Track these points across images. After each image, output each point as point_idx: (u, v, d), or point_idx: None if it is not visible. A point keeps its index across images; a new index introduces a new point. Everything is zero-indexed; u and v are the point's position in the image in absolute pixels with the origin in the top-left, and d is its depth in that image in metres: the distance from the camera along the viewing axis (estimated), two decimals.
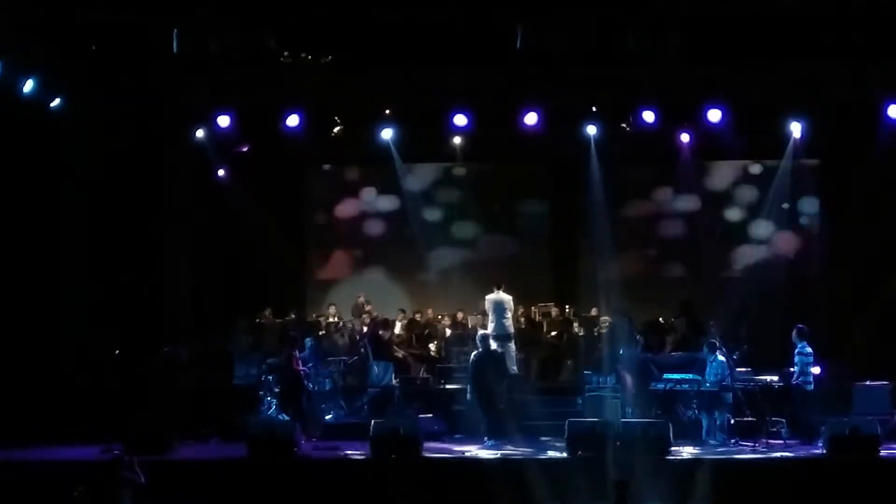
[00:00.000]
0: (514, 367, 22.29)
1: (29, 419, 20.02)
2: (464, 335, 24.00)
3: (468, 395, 20.70)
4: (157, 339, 22.76)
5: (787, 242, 26.65)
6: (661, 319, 24.49)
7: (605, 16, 20.55)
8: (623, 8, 20.60)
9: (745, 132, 23.26)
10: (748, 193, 26.89)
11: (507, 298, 22.95)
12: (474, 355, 20.61)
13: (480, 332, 21.70)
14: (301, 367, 21.12)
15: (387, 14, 20.45)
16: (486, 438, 20.01)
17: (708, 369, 20.26)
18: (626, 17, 20.64)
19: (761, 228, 26.60)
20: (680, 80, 21.48)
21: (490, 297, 22.99)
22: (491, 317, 22.77)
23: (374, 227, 27.63)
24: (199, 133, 23.58)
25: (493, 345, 21.09)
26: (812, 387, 20.06)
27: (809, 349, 20.08)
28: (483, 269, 26.32)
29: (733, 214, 27.00)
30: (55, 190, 22.49)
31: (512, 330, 22.84)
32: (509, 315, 22.87)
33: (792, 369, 20.16)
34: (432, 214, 27.33)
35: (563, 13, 20.60)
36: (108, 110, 22.12)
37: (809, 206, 26.65)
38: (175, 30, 20.54)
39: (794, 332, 20.25)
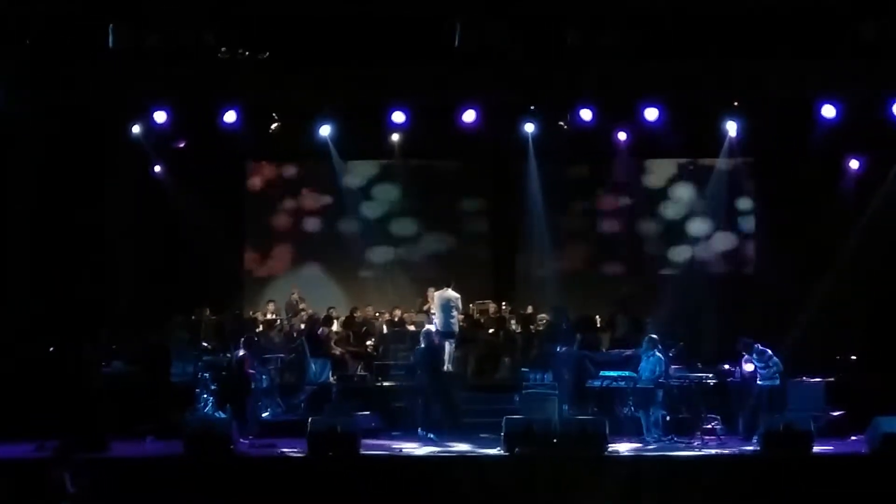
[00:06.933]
0: (450, 365, 22.23)
1: None
2: (402, 332, 23.98)
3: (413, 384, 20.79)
4: (95, 335, 22.56)
5: (723, 240, 26.81)
6: (598, 317, 24.48)
7: (545, 12, 20.62)
8: (562, 4, 20.68)
9: (682, 130, 23.39)
10: (685, 191, 27.03)
11: (454, 296, 22.74)
12: (416, 350, 20.71)
13: (426, 328, 21.66)
14: (251, 370, 20.82)
15: (325, 10, 20.42)
16: (422, 430, 20.08)
17: (643, 364, 20.27)
18: (565, 13, 20.73)
19: (698, 226, 26.75)
20: (617, 77, 21.55)
21: (438, 293, 22.87)
22: (438, 314, 22.66)
23: (312, 224, 27.49)
24: (136, 128, 23.44)
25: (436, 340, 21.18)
26: (778, 382, 20.17)
27: (765, 351, 20.21)
28: (421, 266, 26.36)
29: (670, 212, 27.12)
30: None
31: (457, 329, 22.68)
32: (455, 313, 22.67)
33: (758, 377, 20.22)
34: (371, 211, 27.23)
35: (502, 9, 20.66)
36: (44, 104, 21.90)
37: (745, 204, 26.82)
38: (111, 24, 20.40)
39: (741, 346, 20.40)
